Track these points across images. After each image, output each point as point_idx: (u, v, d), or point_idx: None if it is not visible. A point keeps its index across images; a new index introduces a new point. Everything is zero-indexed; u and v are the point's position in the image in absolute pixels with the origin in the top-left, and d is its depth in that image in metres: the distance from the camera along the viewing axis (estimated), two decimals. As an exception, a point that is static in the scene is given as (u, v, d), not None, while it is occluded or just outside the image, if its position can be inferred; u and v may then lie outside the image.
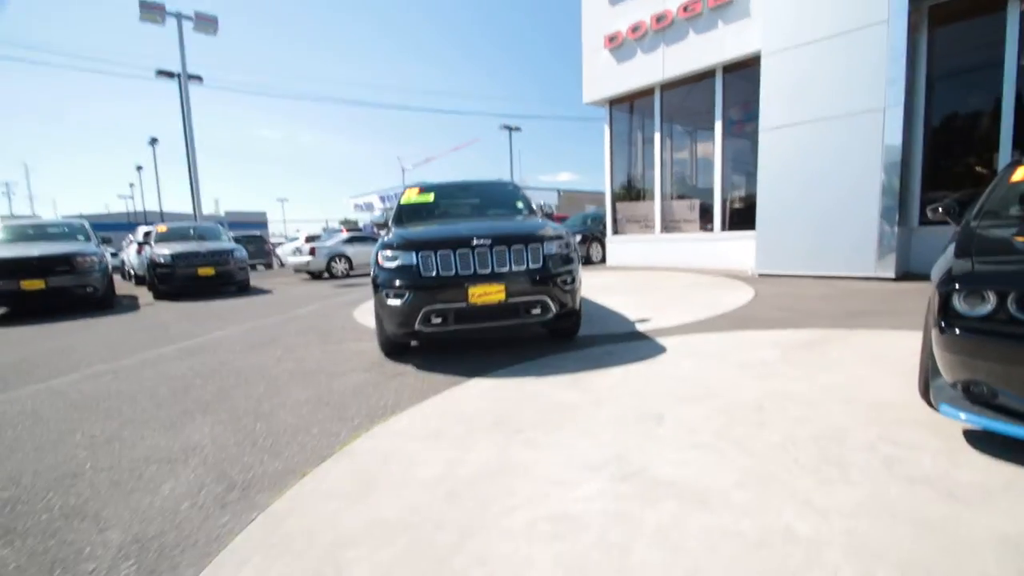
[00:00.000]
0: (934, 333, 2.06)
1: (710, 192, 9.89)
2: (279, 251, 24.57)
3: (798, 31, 7.35)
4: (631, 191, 11.95)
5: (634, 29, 10.33)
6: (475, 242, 3.64)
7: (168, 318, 7.20)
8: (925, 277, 6.64)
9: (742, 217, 9.38)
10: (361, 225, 32.22)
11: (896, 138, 6.55)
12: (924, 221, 7.24)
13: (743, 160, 9.58)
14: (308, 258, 14.63)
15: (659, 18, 9.84)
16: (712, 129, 9.65)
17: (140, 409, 3.15)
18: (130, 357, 4.67)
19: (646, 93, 10.79)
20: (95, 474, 2.26)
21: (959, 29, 6.96)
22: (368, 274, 4.96)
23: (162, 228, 11.32)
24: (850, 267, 7.09)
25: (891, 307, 5.08)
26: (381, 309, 3.78)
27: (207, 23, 15.83)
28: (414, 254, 3.64)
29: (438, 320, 3.60)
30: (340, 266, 14.89)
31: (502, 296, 3.59)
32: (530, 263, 3.70)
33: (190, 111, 15.41)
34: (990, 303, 1.91)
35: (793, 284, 6.97)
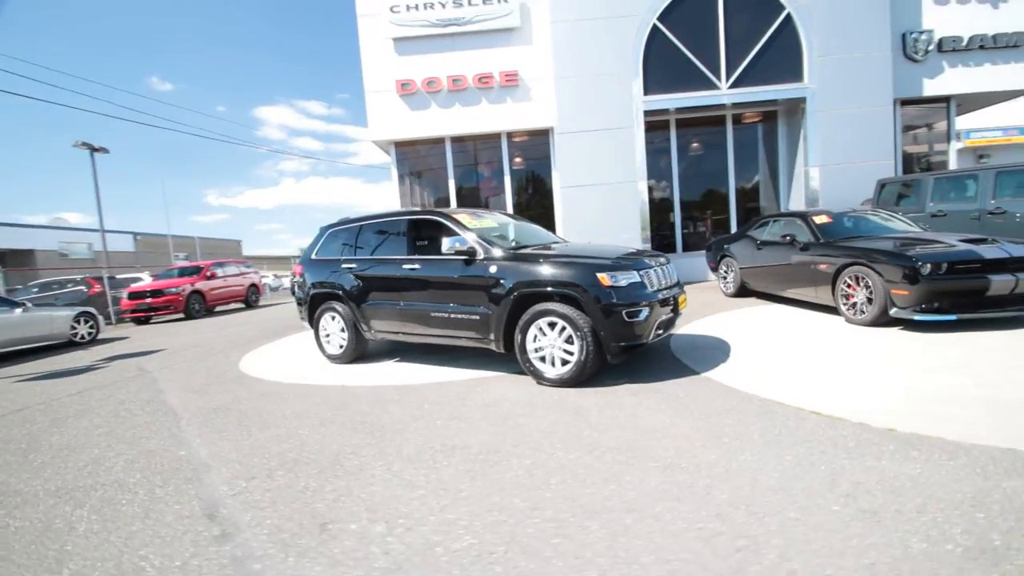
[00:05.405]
0: (904, 286, 4.74)
1: (505, 231, 11.96)
2: None
3: (580, 122, 10.54)
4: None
5: (430, 83, 11.32)
6: (662, 259, 4.33)
7: None
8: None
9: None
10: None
11: (645, 200, 10.52)
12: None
13: (531, 206, 12.18)
14: None
15: (455, 80, 11.27)
16: (502, 178, 11.82)
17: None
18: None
19: (437, 141, 11.89)
20: None
21: (662, 135, 11.80)
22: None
23: None
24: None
25: (708, 301, 8.41)
26: (611, 329, 3.79)
27: None
28: (635, 272, 3.96)
29: (660, 331, 4.05)
30: (83, 329, 10.20)
31: (685, 303, 4.41)
32: (677, 276, 4.67)
33: None
34: (929, 268, 4.70)
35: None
